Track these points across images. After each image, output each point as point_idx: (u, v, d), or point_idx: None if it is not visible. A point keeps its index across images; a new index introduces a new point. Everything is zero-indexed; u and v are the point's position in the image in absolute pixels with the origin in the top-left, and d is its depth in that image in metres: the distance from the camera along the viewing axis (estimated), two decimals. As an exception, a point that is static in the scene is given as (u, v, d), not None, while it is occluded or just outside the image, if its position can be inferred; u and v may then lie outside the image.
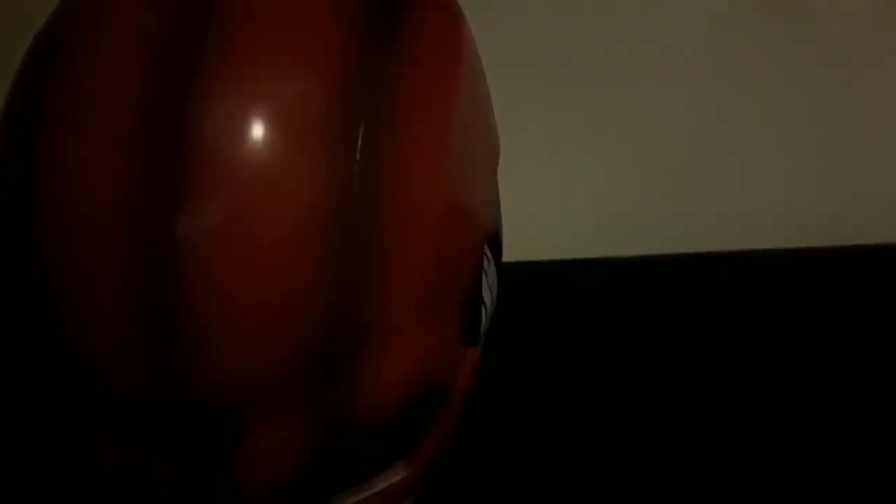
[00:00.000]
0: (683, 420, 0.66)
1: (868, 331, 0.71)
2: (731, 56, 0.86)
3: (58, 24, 0.45)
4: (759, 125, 0.86)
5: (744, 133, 0.86)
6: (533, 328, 0.73)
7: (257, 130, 0.39)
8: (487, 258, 0.52)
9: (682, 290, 0.76)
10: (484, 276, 0.52)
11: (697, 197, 0.85)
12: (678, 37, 0.86)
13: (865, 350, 0.70)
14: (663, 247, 0.81)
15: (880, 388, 0.67)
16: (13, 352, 0.44)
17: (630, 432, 0.65)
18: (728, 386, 0.68)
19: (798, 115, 0.86)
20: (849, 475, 0.62)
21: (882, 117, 0.85)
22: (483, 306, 0.52)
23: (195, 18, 0.41)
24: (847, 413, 0.66)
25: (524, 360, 0.70)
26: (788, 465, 0.63)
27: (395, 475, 0.48)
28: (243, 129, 0.39)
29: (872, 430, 0.65)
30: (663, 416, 0.66)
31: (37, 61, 0.44)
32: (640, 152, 0.85)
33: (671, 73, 0.86)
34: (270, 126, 0.40)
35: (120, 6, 0.43)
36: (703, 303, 0.75)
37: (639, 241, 0.83)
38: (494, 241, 0.53)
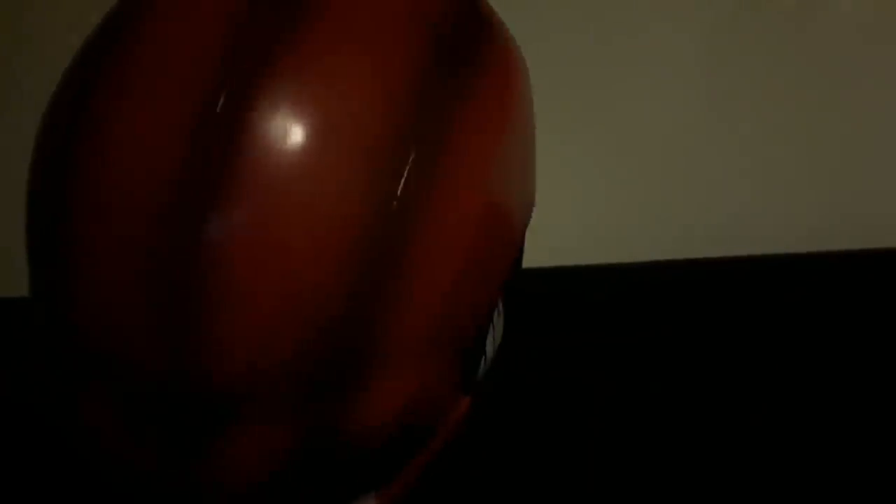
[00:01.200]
0: (690, 423, 0.67)
1: (873, 335, 0.73)
2: (735, 62, 0.85)
3: (124, 15, 0.44)
4: (765, 131, 0.85)
5: (750, 139, 0.85)
6: (540, 333, 0.74)
7: (308, 143, 0.40)
8: (498, 311, 0.53)
9: (687, 296, 0.77)
10: (491, 328, 0.53)
11: (703, 203, 0.85)
12: (682, 43, 0.85)
13: (870, 354, 0.71)
14: (668, 252, 0.82)
15: (881, 392, 0.69)
16: (33, 321, 0.45)
17: (636, 434, 0.67)
18: (735, 390, 0.69)
19: (802, 121, 0.85)
20: (852, 478, 0.64)
21: (884, 121, 0.85)
22: (484, 356, 0.53)
23: (274, 22, 0.42)
24: (852, 415, 0.67)
25: (531, 364, 0.71)
26: (796, 471, 0.64)
27: (367, 502, 0.50)
28: (294, 139, 0.40)
29: (873, 434, 0.66)
30: (669, 420, 0.67)
31: (105, 38, 0.44)
32: (644, 159, 0.85)
33: (675, 78, 0.85)
34: (320, 140, 0.40)
35: (195, 6, 0.43)
36: (709, 308, 0.76)
37: (644, 246, 0.83)
38: (509, 292, 0.54)
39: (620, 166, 0.86)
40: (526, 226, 0.54)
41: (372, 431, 0.45)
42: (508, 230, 0.49)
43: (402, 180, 0.42)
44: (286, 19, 0.42)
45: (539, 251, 0.80)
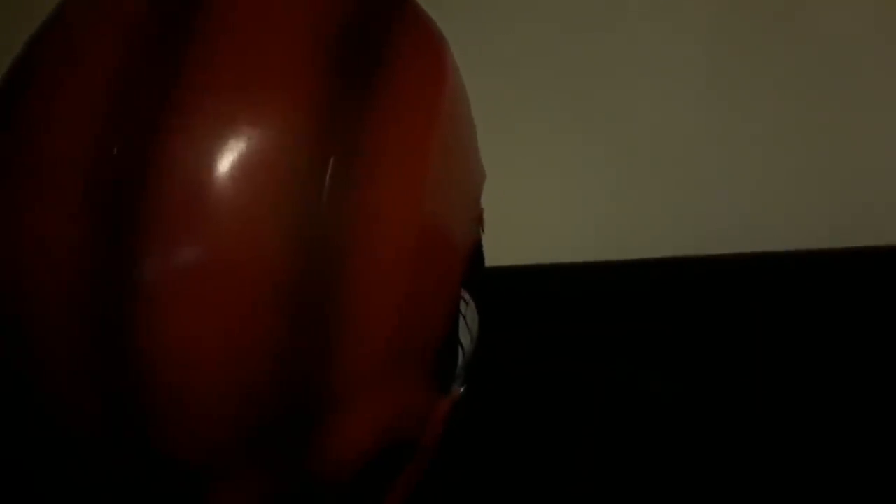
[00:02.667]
0: (690, 420, 0.66)
1: (871, 333, 0.71)
2: (734, 60, 0.84)
3: (24, 60, 0.43)
4: (761, 128, 0.85)
5: (746, 136, 0.85)
6: (536, 330, 0.72)
7: (220, 178, 0.38)
8: (465, 301, 0.51)
9: (684, 293, 0.76)
10: (461, 319, 0.51)
11: (700, 200, 0.85)
12: (681, 41, 0.84)
13: (868, 352, 0.70)
14: (666, 250, 0.81)
15: (880, 390, 0.67)
16: None
17: (632, 429, 0.65)
18: (736, 385, 0.68)
19: (800, 118, 0.84)
20: (853, 477, 0.62)
21: (891, 118, 0.84)
22: (460, 348, 0.51)
23: (163, 59, 0.39)
24: (847, 413, 0.66)
25: (523, 362, 0.70)
26: (790, 467, 0.63)
27: (364, 523, 0.48)
28: (206, 176, 0.38)
29: (872, 432, 0.64)
30: (667, 416, 0.66)
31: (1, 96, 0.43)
32: (643, 157, 0.84)
33: (673, 77, 0.84)
34: (233, 175, 0.38)
35: (87, 40, 0.41)
36: (705, 306, 0.75)
37: (641, 244, 0.82)
38: (473, 279, 0.52)
39: (619, 167, 0.86)
40: (477, 215, 0.51)
41: (346, 464, 0.43)
42: (454, 225, 0.46)
43: (323, 198, 0.39)
44: (175, 56, 0.39)
45: (537, 249, 0.79)
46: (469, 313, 0.52)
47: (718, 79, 0.85)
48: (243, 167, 0.38)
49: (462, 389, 0.53)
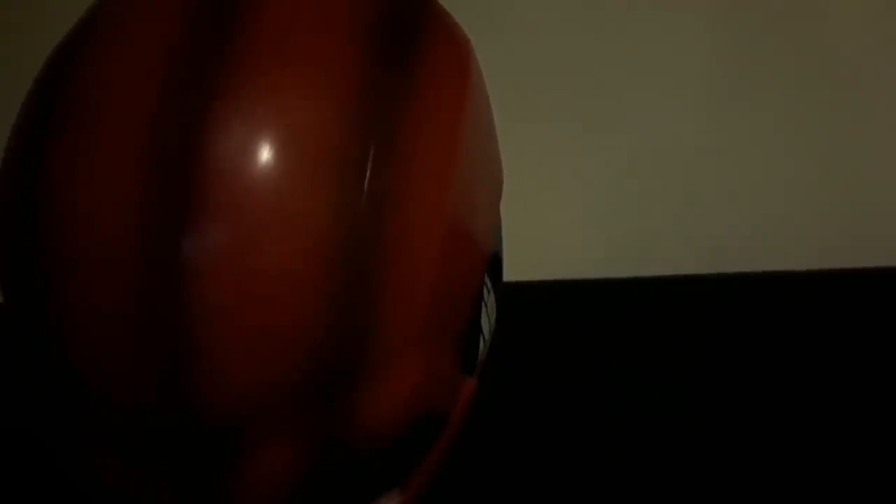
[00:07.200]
0: (682, 431, 0.67)
1: (869, 354, 0.73)
2: (744, 74, 0.85)
3: (76, 39, 0.45)
4: (769, 146, 0.86)
5: (751, 154, 0.86)
6: (539, 347, 0.74)
7: (267, 155, 0.40)
8: (487, 288, 0.53)
9: (683, 312, 0.78)
10: (483, 306, 0.53)
11: (701, 220, 0.86)
12: (681, 57, 0.85)
13: (867, 373, 0.71)
14: (666, 268, 0.83)
15: (876, 408, 0.68)
16: (21, 365, 0.46)
17: (628, 440, 0.66)
18: (730, 402, 0.69)
19: (809, 137, 0.85)
20: (847, 488, 0.63)
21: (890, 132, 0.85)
22: (481, 336, 0.53)
23: (213, 41, 0.42)
24: (843, 419, 0.67)
25: (522, 367, 0.72)
26: (784, 475, 0.64)
27: (391, 501, 0.50)
28: (253, 153, 0.40)
29: (873, 450, 0.65)
30: (661, 430, 0.67)
31: (52, 75, 0.44)
32: (645, 175, 0.86)
33: (674, 95, 0.85)
34: (280, 151, 0.40)
35: (138, 25, 0.43)
36: (705, 322, 0.77)
37: (642, 262, 0.84)
38: (494, 269, 0.54)
39: (621, 185, 0.86)
40: (498, 203, 0.54)
41: (382, 430, 0.45)
42: (479, 208, 0.49)
43: (366, 177, 0.42)
44: (222, 42, 0.42)
45: (541, 266, 0.80)
46: (490, 301, 0.54)
47: (726, 96, 0.85)
48: (292, 148, 0.41)
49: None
